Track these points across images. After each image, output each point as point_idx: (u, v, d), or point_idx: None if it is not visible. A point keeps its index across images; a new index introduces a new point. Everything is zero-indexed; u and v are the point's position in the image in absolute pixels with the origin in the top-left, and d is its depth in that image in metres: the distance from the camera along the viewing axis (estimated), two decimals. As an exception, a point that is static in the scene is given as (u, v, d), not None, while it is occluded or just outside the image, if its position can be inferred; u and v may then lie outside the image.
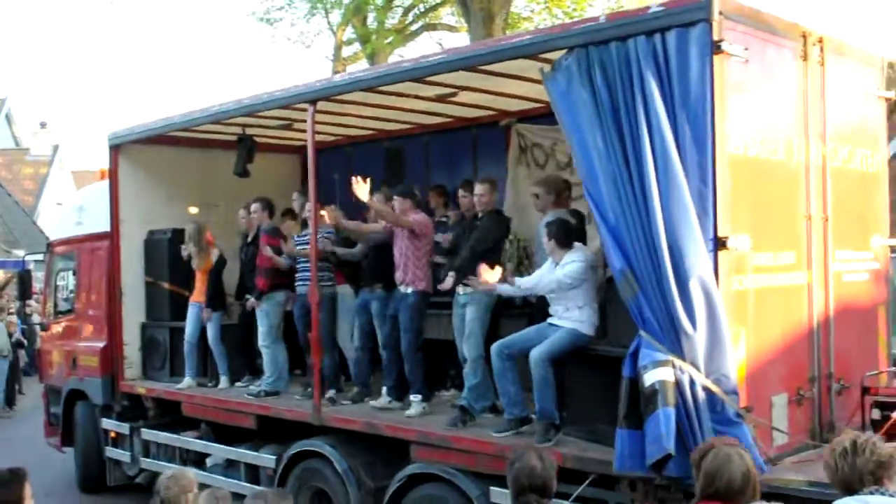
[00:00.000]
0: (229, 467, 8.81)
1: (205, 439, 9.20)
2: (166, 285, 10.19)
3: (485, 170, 9.24)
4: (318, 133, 10.02)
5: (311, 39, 22.77)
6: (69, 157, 36.84)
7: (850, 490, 3.62)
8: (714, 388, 5.04)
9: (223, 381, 9.37)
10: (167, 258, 10.09)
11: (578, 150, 5.61)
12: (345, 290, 8.67)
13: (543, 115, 7.90)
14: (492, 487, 6.22)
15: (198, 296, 9.61)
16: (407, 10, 21.60)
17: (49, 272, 12.14)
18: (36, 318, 16.75)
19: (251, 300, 9.07)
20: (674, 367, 5.04)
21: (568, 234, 6.49)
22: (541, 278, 6.44)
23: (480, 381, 6.94)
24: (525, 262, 8.31)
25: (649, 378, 5.05)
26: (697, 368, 5.05)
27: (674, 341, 5.09)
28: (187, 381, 9.49)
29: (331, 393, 8.09)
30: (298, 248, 8.62)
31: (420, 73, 7.08)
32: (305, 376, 8.68)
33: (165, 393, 9.62)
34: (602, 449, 5.69)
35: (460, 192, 7.81)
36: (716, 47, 5.11)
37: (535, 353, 6.17)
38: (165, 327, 10.11)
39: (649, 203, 5.18)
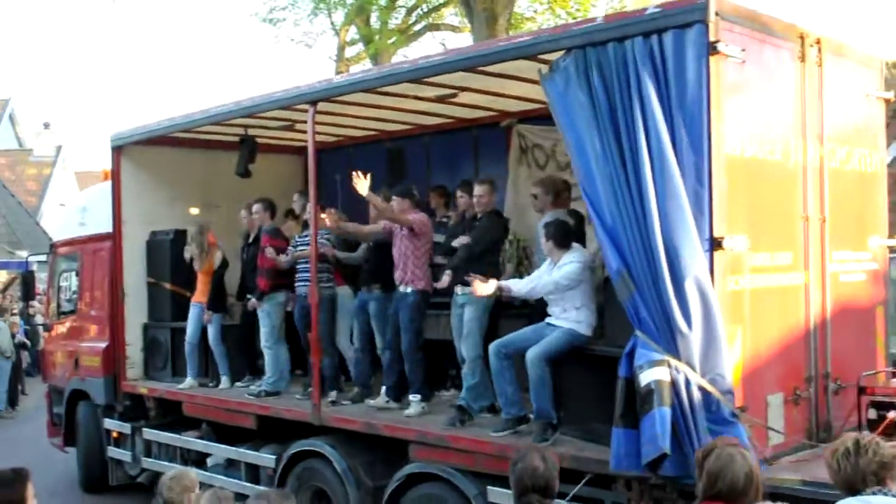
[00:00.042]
0: (230, 467, 8.85)
1: (206, 439, 9.24)
2: (168, 286, 10.23)
3: (486, 170, 9.27)
4: (320, 134, 10.10)
5: (313, 39, 22.79)
6: (72, 158, 37.03)
7: (853, 490, 3.62)
8: (709, 387, 5.06)
9: (224, 381, 9.41)
10: (169, 259, 10.14)
11: (576, 150, 5.63)
12: (344, 292, 8.71)
13: (544, 116, 7.87)
14: (489, 487, 6.25)
15: (199, 296, 9.65)
16: (410, 11, 21.61)
17: (52, 273, 12.19)
18: (39, 319, 16.84)
19: (252, 300, 9.11)
20: (669, 366, 5.06)
21: (566, 234, 6.51)
22: (537, 281, 6.44)
23: (479, 381, 6.96)
24: (525, 263, 8.34)
25: (645, 378, 5.07)
26: (693, 368, 5.07)
27: (669, 341, 5.11)
28: (188, 381, 9.53)
29: (332, 395, 8.11)
30: (299, 248, 8.64)
31: (419, 74, 7.11)
32: (306, 376, 8.70)
33: (167, 393, 9.66)
34: (599, 448, 5.70)
35: (458, 193, 7.84)
36: (712, 48, 5.13)
37: (532, 353, 6.19)
38: (167, 328, 10.15)
39: (646, 204, 5.19)
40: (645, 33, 5.34)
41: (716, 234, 5.14)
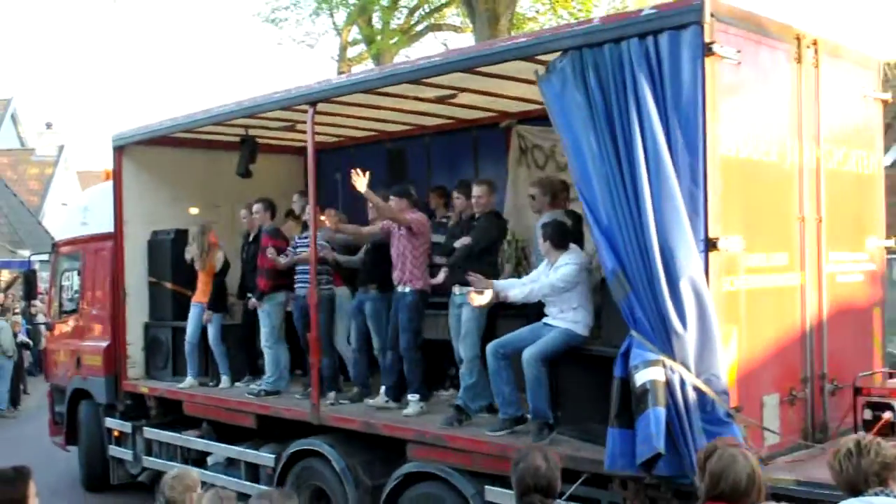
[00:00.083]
0: (230, 466, 8.88)
1: (206, 438, 9.27)
2: (169, 285, 10.26)
3: (485, 171, 9.30)
4: (321, 134, 10.15)
5: (315, 39, 22.79)
6: (74, 158, 37.02)
7: (855, 491, 3.62)
8: (704, 387, 5.08)
9: (224, 380, 9.45)
10: (170, 258, 10.17)
11: (572, 151, 5.66)
12: (343, 292, 8.74)
13: (543, 117, 7.85)
14: (487, 486, 6.28)
15: (200, 296, 9.69)
16: (412, 11, 21.59)
17: (54, 272, 12.22)
18: (41, 318, 16.85)
19: (253, 300, 9.15)
20: (664, 366, 5.08)
21: (563, 235, 6.53)
22: (533, 285, 6.45)
23: (476, 380, 6.98)
24: (524, 263, 8.36)
25: (640, 378, 5.09)
26: (688, 368, 5.09)
27: (664, 341, 5.13)
28: (189, 380, 9.57)
29: (331, 396, 8.14)
30: (299, 249, 8.68)
31: (418, 75, 7.13)
32: (306, 376, 8.73)
33: (167, 392, 9.70)
34: (595, 448, 5.72)
35: (454, 194, 7.84)
36: (707, 50, 5.15)
37: (528, 353, 6.21)
38: (168, 327, 10.19)
39: (641, 204, 5.22)
40: (641, 34, 5.36)
41: (711, 235, 5.16)
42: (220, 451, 9.04)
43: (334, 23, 22.03)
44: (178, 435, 9.51)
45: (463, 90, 7.93)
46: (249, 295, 9.27)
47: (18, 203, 27.21)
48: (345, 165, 10.06)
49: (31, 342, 19.09)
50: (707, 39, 5.15)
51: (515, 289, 6.54)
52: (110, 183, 10.52)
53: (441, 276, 7.21)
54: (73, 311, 11.51)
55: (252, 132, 9.75)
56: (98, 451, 10.70)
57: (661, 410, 4.98)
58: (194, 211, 10.49)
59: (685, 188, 5.16)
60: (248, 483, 8.40)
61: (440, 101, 8.34)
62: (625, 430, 5.20)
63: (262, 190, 9.70)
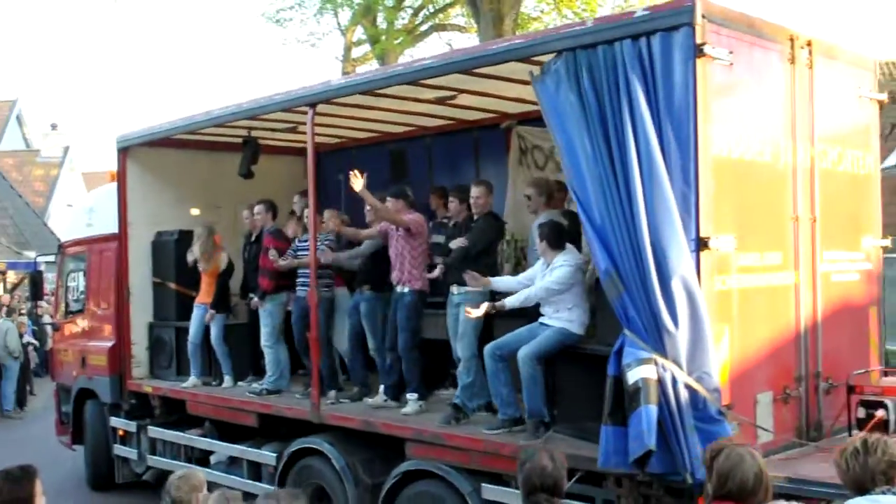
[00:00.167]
0: (232, 465, 8.95)
1: (209, 437, 9.34)
2: (173, 286, 10.34)
3: (486, 171, 9.33)
4: (323, 136, 10.22)
5: (319, 39, 22.86)
6: (80, 159, 37.13)
7: (862, 490, 3.63)
8: (696, 385, 5.12)
9: (227, 380, 9.52)
10: (174, 259, 10.25)
11: (566, 152, 5.70)
12: (343, 293, 8.80)
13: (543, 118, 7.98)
14: (483, 484, 6.33)
15: (203, 297, 9.76)
16: (417, 11, 21.66)
17: (60, 273, 12.33)
18: (47, 319, 16.92)
19: (255, 300, 9.22)
20: (656, 364, 5.12)
21: (559, 235, 6.57)
22: (529, 292, 6.49)
23: (473, 380, 7.03)
24: (522, 263, 8.39)
25: (632, 376, 5.14)
26: (680, 366, 5.12)
27: (657, 339, 5.17)
28: (192, 380, 9.64)
29: (332, 395, 8.21)
30: (299, 252, 8.75)
31: (415, 77, 7.18)
32: (308, 376, 8.79)
33: (171, 392, 9.78)
34: (591, 446, 5.74)
35: (450, 198, 7.83)
36: (699, 51, 5.19)
37: (523, 352, 6.26)
38: (172, 327, 10.27)
39: (634, 204, 5.26)
40: (633, 36, 5.40)
41: (702, 235, 5.20)
42: (223, 449, 9.12)
43: (338, 23, 22.14)
44: (182, 434, 9.58)
45: (462, 91, 7.98)
46: (251, 295, 9.34)
47: (24, 204, 27.28)
48: (347, 166, 10.10)
49: (37, 343, 19.14)
50: (699, 41, 5.19)
51: (511, 297, 6.61)
52: (115, 184, 10.61)
53: (437, 272, 7.28)
54: (79, 312, 11.59)
55: (254, 133, 9.82)
56: (103, 450, 10.80)
57: (653, 408, 5.03)
58: (195, 212, 10.57)
59: (677, 188, 5.21)
60: (250, 482, 8.47)
61: (440, 102, 8.39)
62: (618, 427, 5.25)
63: (264, 191, 9.78)
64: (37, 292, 13.82)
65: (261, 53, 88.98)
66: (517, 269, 8.37)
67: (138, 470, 10.51)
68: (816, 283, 6.17)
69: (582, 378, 6.27)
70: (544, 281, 6.42)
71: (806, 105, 6.14)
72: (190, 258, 9.82)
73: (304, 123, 7.92)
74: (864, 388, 6.04)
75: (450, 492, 6.55)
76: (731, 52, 5.40)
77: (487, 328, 7.23)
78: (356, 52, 22.58)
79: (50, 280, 17.94)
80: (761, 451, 5.42)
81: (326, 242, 8.45)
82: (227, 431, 9.15)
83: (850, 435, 5.90)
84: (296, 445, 7.90)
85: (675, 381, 5.11)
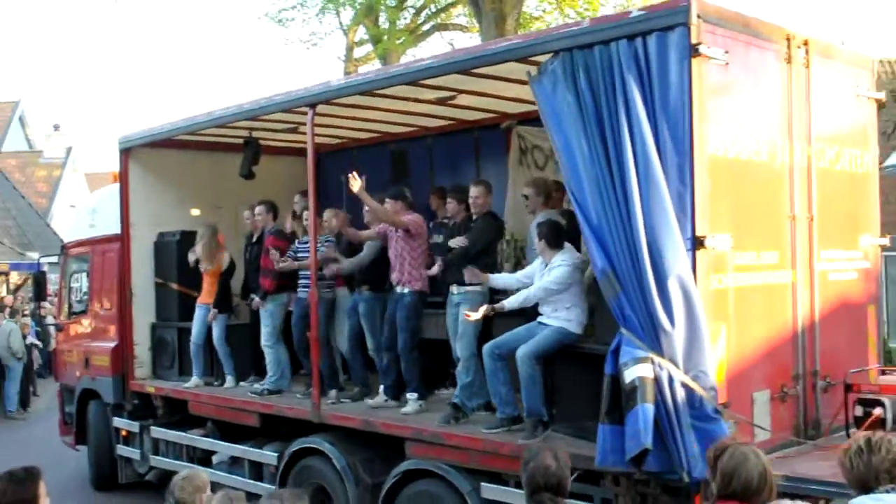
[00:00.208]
0: (234, 464, 8.98)
1: (211, 437, 9.37)
2: (175, 286, 10.38)
3: (487, 171, 9.35)
4: (324, 136, 10.26)
5: (321, 38, 22.90)
6: (82, 160, 37.16)
7: (866, 489, 3.62)
8: (692, 384, 5.14)
9: (229, 380, 9.56)
10: (176, 260, 10.28)
11: (563, 152, 5.72)
12: (344, 293, 8.82)
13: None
14: (483, 483, 6.35)
15: (205, 297, 9.79)
16: (419, 11, 21.70)
17: (63, 274, 12.38)
18: (50, 320, 16.97)
19: (256, 300, 9.25)
20: (653, 363, 5.14)
21: (558, 234, 6.59)
22: (528, 293, 6.52)
23: (472, 379, 7.06)
24: (522, 263, 8.39)
25: (629, 375, 5.16)
26: (676, 365, 5.14)
27: (653, 338, 5.19)
28: (194, 380, 9.68)
29: (332, 394, 8.24)
30: (300, 254, 8.78)
31: (414, 77, 7.21)
32: (309, 376, 8.82)
33: (173, 392, 9.81)
34: (589, 445, 5.74)
35: (448, 198, 7.87)
36: (694, 51, 5.21)
37: (522, 352, 6.29)
38: (174, 327, 10.31)
39: (630, 204, 5.28)
40: (629, 36, 5.43)
41: (698, 234, 5.22)
42: (225, 449, 9.14)
43: (340, 22, 22.17)
44: (184, 434, 9.61)
45: (462, 91, 8.00)
46: (252, 296, 9.37)
47: (27, 205, 27.30)
48: (348, 167, 10.14)
49: (40, 344, 19.19)
50: (694, 41, 5.22)
51: (510, 299, 6.65)
52: (117, 185, 10.65)
53: (435, 269, 7.31)
54: (83, 312, 11.63)
55: (255, 134, 9.85)
56: (106, 450, 10.83)
57: (650, 407, 5.05)
58: (196, 212, 10.61)
59: (673, 188, 5.23)
60: (251, 481, 8.50)
61: (440, 102, 8.42)
62: (615, 426, 5.27)
63: (265, 191, 9.81)
64: (40, 293, 13.88)
65: (263, 54, 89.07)
66: (516, 268, 8.34)
67: (141, 470, 10.55)
68: (814, 281, 6.19)
69: (580, 377, 6.28)
70: (543, 281, 6.44)
71: (803, 104, 6.15)
72: (191, 258, 9.85)
73: (305, 124, 7.95)
74: (862, 387, 6.06)
75: (449, 491, 6.58)
76: (726, 52, 5.42)
77: (487, 328, 7.25)
78: (358, 52, 22.63)
79: (53, 281, 17.98)
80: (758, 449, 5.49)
81: (326, 244, 8.47)
82: (229, 431, 9.18)
83: (847, 433, 5.92)
84: (297, 445, 7.93)
85: (671, 380, 5.13)
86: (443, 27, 22.03)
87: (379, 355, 8.07)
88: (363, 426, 7.45)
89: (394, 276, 7.75)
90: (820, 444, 5.94)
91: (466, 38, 21.51)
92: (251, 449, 8.66)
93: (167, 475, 9.17)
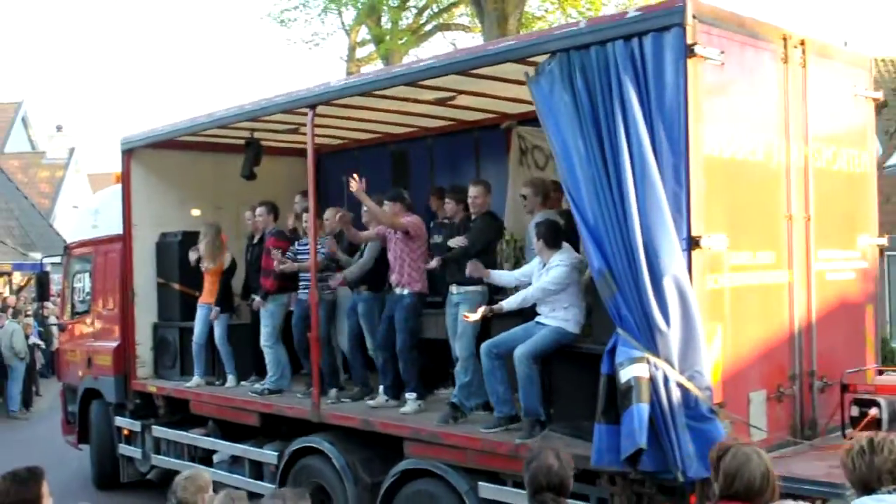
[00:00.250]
0: (234, 463, 9.01)
1: (212, 436, 9.41)
2: (177, 286, 10.41)
3: (487, 172, 9.36)
4: (325, 137, 10.28)
5: (322, 39, 22.90)
6: (85, 160, 37.15)
7: (868, 489, 3.63)
8: (688, 384, 5.15)
9: (230, 379, 9.59)
10: (178, 260, 10.31)
11: (560, 152, 5.74)
12: (344, 292, 8.84)
13: (539, 119, 8.02)
14: (480, 483, 6.37)
15: (206, 297, 9.82)
16: (421, 11, 21.70)
17: (66, 274, 12.42)
18: (52, 320, 17.02)
19: (257, 300, 9.28)
20: (648, 363, 5.16)
21: (556, 234, 6.60)
22: (526, 293, 6.54)
23: (471, 379, 7.08)
24: (521, 263, 8.39)
25: (625, 374, 5.18)
26: (672, 365, 5.16)
27: (649, 339, 5.21)
28: (196, 379, 9.71)
29: (332, 394, 8.26)
30: (299, 255, 8.81)
31: (413, 78, 7.23)
32: (310, 375, 8.84)
33: (175, 391, 9.85)
34: (585, 444, 5.75)
35: (446, 199, 7.89)
36: (689, 51, 5.23)
37: (519, 351, 6.30)
38: (176, 327, 10.34)
39: (626, 204, 5.30)
40: (625, 37, 5.44)
41: (693, 234, 5.23)
42: (225, 449, 9.17)
43: (342, 22, 22.20)
44: (185, 433, 9.65)
45: (461, 92, 8.02)
46: (254, 296, 9.40)
47: (29, 206, 27.34)
48: (349, 167, 10.17)
49: (42, 344, 19.24)
50: (689, 41, 5.23)
51: (509, 299, 6.69)
52: (120, 186, 10.69)
53: (434, 263, 7.34)
54: (85, 312, 11.68)
55: (256, 135, 9.88)
56: (108, 449, 10.88)
57: (645, 406, 5.07)
58: (196, 212, 10.64)
59: (669, 188, 5.24)
60: (252, 480, 8.53)
61: (440, 102, 8.43)
62: (611, 426, 5.29)
63: (266, 192, 9.84)
64: (43, 293, 13.92)
65: (266, 54, 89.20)
66: (516, 268, 8.37)
67: (143, 469, 10.60)
68: (811, 281, 6.19)
69: (578, 377, 6.29)
70: (541, 281, 6.46)
71: (800, 104, 6.16)
72: (192, 256, 9.88)
73: (305, 125, 7.97)
74: (858, 387, 6.07)
75: (447, 490, 6.60)
76: (722, 52, 5.43)
77: (485, 328, 7.25)
78: (361, 52, 22.65)
79: (56, 281, 18.03)
80: (755, 449, 5.50)
81: (327, 241, 8.49)
82: (230, 431, 9.21)
83: (843, 434, 5.93)
84: (296, 444, 7.96)
85: (666, 380, 5.14)
86: (445, 27, 22.03)
87: (377, 355, 8.09)
88: (362, 426, 7.47)
89: (393, 278, 7.77)
90: (816, 444, 5.95)
91: (469, 39, 21.54)
92: (251, 448, 8.70)
93: (169, 474, 9.21)
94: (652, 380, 5.14)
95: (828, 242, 6.38)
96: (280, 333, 9.14)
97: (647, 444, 5.03)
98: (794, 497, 4.15)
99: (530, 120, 8.92)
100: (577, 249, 6.72)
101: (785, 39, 6.05)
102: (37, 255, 20.16)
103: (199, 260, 9.84)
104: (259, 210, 9.47)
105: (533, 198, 7.32)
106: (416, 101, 8.30)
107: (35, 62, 76.99)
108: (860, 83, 6.81)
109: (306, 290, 8.59)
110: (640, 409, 5.04)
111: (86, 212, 12.54)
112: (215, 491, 4.44)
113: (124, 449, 10.59)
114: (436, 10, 21.80)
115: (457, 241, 7.36)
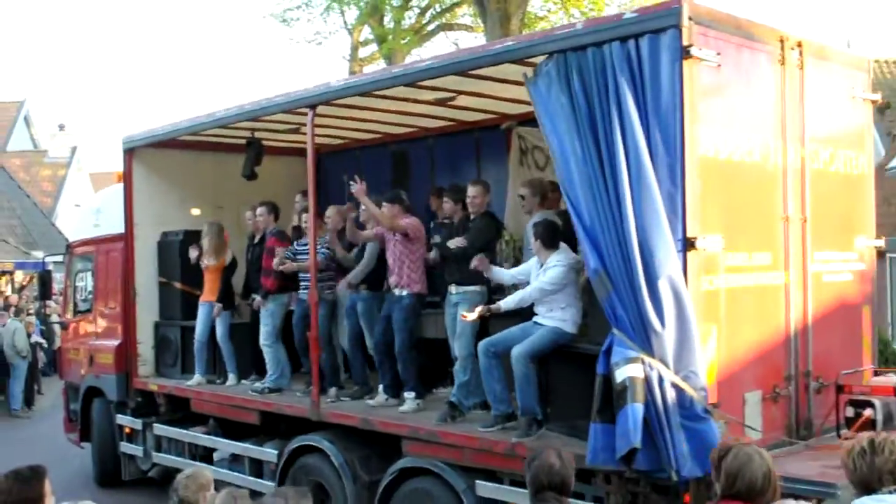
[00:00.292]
0: (235, 461, 9.06)
1: (213, 434, 9.45)
2: (178, 285, 10.46)
3: (487, 172, 9.39)
4: (326, 137, 10.32)
5: (325, 38, 22.89)
6: (87, 159, 37.27)
7: (869, 489, 3.64)
8: (682, 384, 5.18)
9: (231, 378, 9.63)
10: (179, 259, 10.35)
11: (557, 153, 5.78)
12: (344, 291, 8.87)
13: (536, 119, 8.05)
14: (478, 481, 6.41)
15: (208, 295, 9.86)
16: (423, 10, 21.67)
17: (68, 273, 12.48)
18: (55, 318, 17.06)
19: (258, 300, 9.32)
20: (643, 363, 5.19)
21: (554, 234, 6.63)
22: (524, 293, 6.58)
23: (470, 378, 7.11)
24: (521, 263, 8.43)
25: (620, 374, 5.21)
26: (667, 365, 5.19)
27: (644, 339, 5.24)
28: (197, 378, 9.75)
29: (332, 392, 8.30)
30: (299, 256, 8.84)
31: (412, 78, 7.26)
32: (310, 374, 8.88)
33: (176, 390, 9.89)
34: (581, 444, 5.77)
35: (444, 199, 7.92)
36: (685, 53, 5.25)
37: (517, 351, 6.33)
38: (177, 326, 10.39)
39: (622, 205, 5.33)
40: (622, 38, 5.47)
41: (689, 235, 5.26)
42: (226, 447, 9.21)
43: (345, 22, 22.20)
44: (186, 431, 9.70)
45: (461, 93, 8.04)
46: (254, 295, 9.44)
47: (32, 204, 27.38)
48: (349, 167, 10.24)
49: (44, 342, 19.28)
50: (685, 42, 5.26)
51: (507, 299, 6.74)
52: (121, 185, 10.73)
53: (432, 254, 7.38)
54: (87, 311, 11.73)
55: (257, 135, 9.91)
56: (110, 447, 10.93)
57: (639, 406, 5.10)
58: (196, 212, 10.69)
59: (664, 189, 5.27)
60: (252, 478, 8.57)
61: (440, 103, 8.46)
62: (607, 425, 5.32)
63: (267, 192, 9.88)
64: (45, 292, 13.97)
65: (268, 53, 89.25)
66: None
67: (144, 467, 10.64)
68: (807, 283, 6.21)
69: (574, 376, 6.32)
70: (538, 281, 6.49)
71: (796, 106, 6.18)
72: (193, 254, 9.91)
73: (306, 125, 8.00)
74: (853, 388, 6.09)
75: (445, 489, 6.64)
76: (718, 54, 5.46)
77: (484, 327, 7.28)
78: (363, 52, 22.64)
79: (58, 280, 18.08)
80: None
81: (326, 245, 8.53)
82: (230, 429, 9.26)
83: (838, 434, 5.96)
84: (296, 443, 8.01)
85: (661, 380, 5.17)
86: (448, 27, 22.01)
87: (376, 355, 8.13)
88: (361, 424, 7.51)
89: (392, 279, 7.80)
90: (811, 445, 5.98)
91: (471, 38, 21.53)
92: (251, 446, 8.74)
93: (170, 472, 9.26)
94: (647, 380, 5.17)
95: (824, 244, 6.40)
96: (280, 332, 9.17)
97: (641, 443, 5.06)
98: (796, 497, 4.16)
99: (530, 120, 8.96)
100: (574, 250, 6.75)
101: (782, 41, 6.07)
102: (39, 254, 20.18)
103: (199, 257, 9.88)
104: (260, 210, 9.51)
105: (531, 198, 7.35)
106: (416, 101, 8.33)
107: (37, 61, 77.25)
108: (858, 85, 6.82)
109: (307, 290, 8.63)
110: (635, 409, 5.08)
111: (88, 211, 12.60)
112: (216, 489, 4.46)
113: (126, 447, 10.64)
114: (438, 9, 21.77)
115: (456, 242, 7.39)
